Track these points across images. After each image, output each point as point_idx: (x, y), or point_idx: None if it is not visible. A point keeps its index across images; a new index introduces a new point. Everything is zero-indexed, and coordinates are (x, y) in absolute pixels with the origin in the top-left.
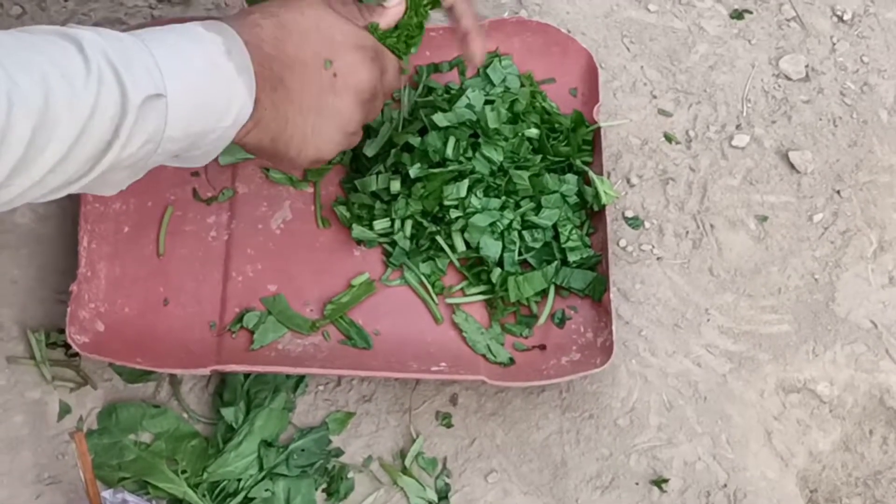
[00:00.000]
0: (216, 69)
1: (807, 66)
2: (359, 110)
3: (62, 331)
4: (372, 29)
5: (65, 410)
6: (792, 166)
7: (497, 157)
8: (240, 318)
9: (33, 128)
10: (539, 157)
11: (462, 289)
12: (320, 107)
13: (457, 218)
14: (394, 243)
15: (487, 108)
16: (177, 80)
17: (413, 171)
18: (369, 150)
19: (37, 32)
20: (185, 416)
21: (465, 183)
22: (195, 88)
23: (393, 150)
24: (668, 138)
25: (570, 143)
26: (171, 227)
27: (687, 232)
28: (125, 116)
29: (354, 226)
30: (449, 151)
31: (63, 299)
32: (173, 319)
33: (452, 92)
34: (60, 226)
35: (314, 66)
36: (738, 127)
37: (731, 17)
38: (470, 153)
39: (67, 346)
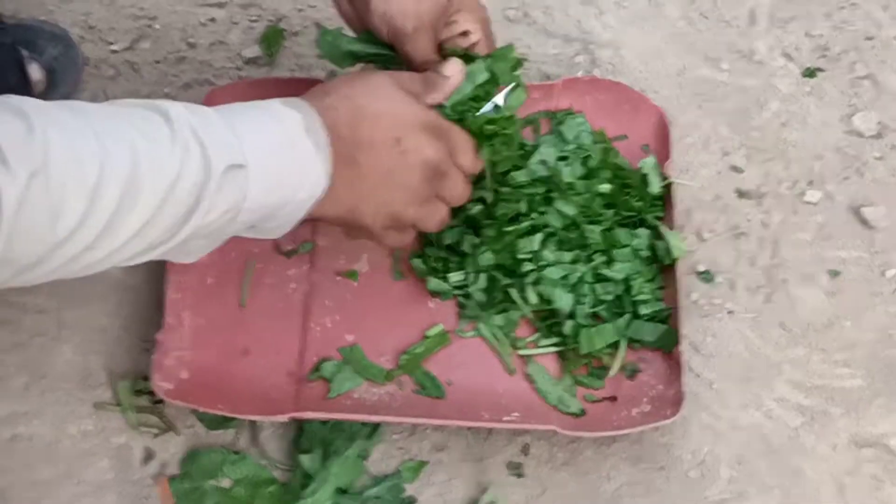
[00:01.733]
0: (295, 144)
1: (879, 123)
2: (427, 184)
3: (147, 378)
4: (445, 109)
5: (148, 456)
6: (864, 222)
7: (570, 211)
8: (318, 367)
9: (121, 193)
10: (611, 211)
11: (534, 341)
12: (387, 181)
13: (530, 271)
14: (468, 296)
15: (561, 163)
16: (257, 153)
17: (488, 229)
18: None
19: (127, 105)
20: (264, 462)
21: (539, 237)
22: (274, 161)
23: (467, 205)
24: (740, 194)
25: (643, 199)
26: (253, 278)
27: (758, 286)
28: (207, 184)
29: (430, 278)
30: (523, 207)
31: (149, 348)
32: (254, 368)
33: (527, 148)
34: (147, 277)
35: (384, 145)
36: (809, 183)
37: (804, 75)
38: (543, 208)
39: (152, 393)
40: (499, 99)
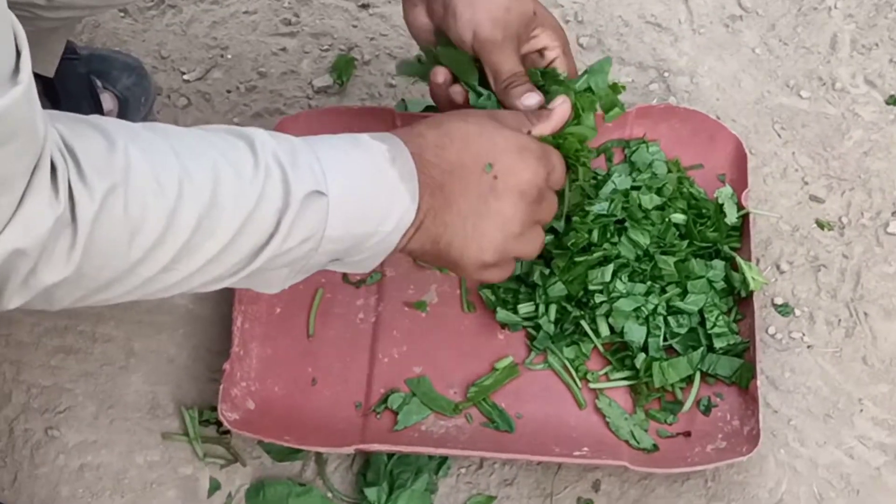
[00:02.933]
0: (379, 174)
1: None
2: (522, 211)
3: (214, 408)
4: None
5: (215, 486)
6: None
7: (643, 241)
8: (385, 399)
9: (200, 214)
10: (685, 242)
11: (606, 373)
12: (479, 209)
13: (601, 303)
14: (538, 327)
15: (634, 193)
16: (339, 181)
17: (559, 259)
18: None
19: (211, 130)
20: (330, 495)
21: (611, 267)
22: (357, 190)
23: None
24: (821, 225)
25: (719, 229)
26: (321, 309)
27: (839, 320)
28: (287, 210)
29: (499, 309)
30: (595, 237)
31: (216, 378)
32: (320, 399)
33: (599, 178)
34: (216, 307)
35: (474, 170)
36: (893, 214)
37: (888, 103)
38: (615, 238)
39: (219, 424)
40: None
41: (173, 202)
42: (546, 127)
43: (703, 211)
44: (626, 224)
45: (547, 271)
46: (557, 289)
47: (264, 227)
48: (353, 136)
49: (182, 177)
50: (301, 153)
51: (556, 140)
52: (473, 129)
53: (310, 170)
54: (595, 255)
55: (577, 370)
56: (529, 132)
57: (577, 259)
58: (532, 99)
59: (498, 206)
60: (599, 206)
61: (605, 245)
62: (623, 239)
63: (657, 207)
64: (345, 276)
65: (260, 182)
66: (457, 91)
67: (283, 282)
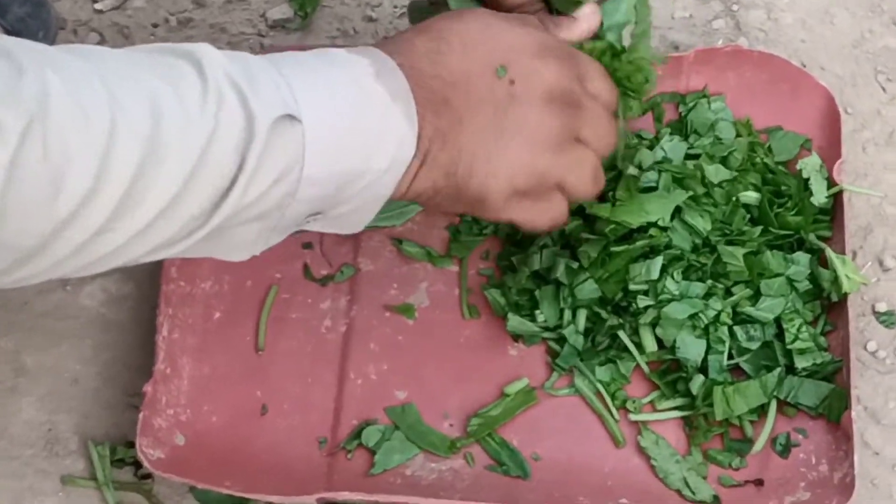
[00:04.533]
0: (363, 94)
1: None
2: (554, 116)
3: (132, 444)
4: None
5: None
6: None
7: (703, 226)
8: (358, 434)
9: (140, 157)
10: (758, 229)
11: (652, 402)
12: (499, 123)
13: (646, 308)
14: (562, 339)
15: (690, 163)
16: (313, 102)
17: (590, 249)
18: None
19: (146, 50)
20: None
21: (659, 261)
22: (337, 114)
23: None
24: None
25: (802, 212)
26: (274, 313)
27: None
28: (252, 142)
29: (511, 315)
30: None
31: (135, 403)
32: (273, 432)
33: (645, 141)
34: (135, 310)
35: (484, 76)
36: None
37: None
38: (666, 221)
39: (138, 464)
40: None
41: (105, 141)
42: (569, 33)
43: (783, 188)
44: (681, 204)
45: (574, 265)
46: (588, 289)
47: (224, 168)
48: (322, 51)
49: (114, 109)
50: (261, 71)
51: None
52: (475, 26)
53: (275, 89)
54: (638, 243)
55: (613, 397)
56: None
57: (615, 249)
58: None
59: (521, 112)
60: (645, 179)
61: (652, 231)
62: (676, 223)
63: (722, 183)
64: (306, 270)
65: (212, 112)
66: None
67: (253, 243)
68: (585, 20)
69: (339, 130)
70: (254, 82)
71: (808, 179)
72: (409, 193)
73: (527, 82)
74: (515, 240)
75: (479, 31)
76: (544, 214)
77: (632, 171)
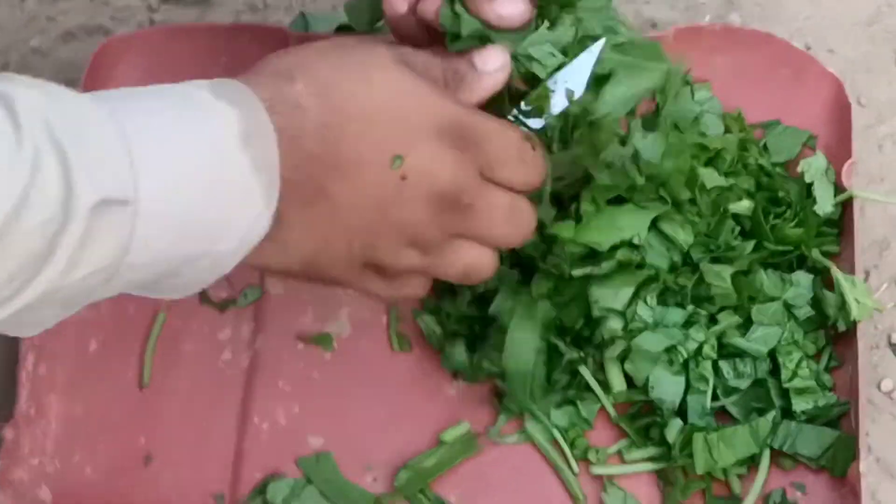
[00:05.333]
0: (221, 167)
1: None
2: (433, 224)
3: None
4: None
5: None
6: None
7: (684, 240)
8: (262, 489)
9: None
10: (751, 243)
11: (619, 452)
12: (379, 221)
13: (613, 338)
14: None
15: (669, 162)
16: (156, 180)
17: (538, 286)
18: None
19: None
20: None
21: (630, 284)
22: (185, 192)
23: None
24: None
25: (804, 223)
26: (162, 344)
27: None
28: (67, 225)
29: (448, 348)
30: (603, 234)
31: None
32: (159, 487)
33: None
34: None
35: (376, 166)
36: None
37: None
38: (642, 238)
39: None
40: (579, 73)
41: None
42: (470, 95)
43: (781, 194)
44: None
45: (526, 289)
46: (542, 315)
47: (30, 250)
48: (183, 90)
49: None
50: (95, 126)
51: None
52: (381, 97)
53: (108, 159)
54: (604, 265)
55: (572, 445)
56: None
57: (576, 271)
58: (509, 6)
59: (402, 213)
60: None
61: (621, 247)
62: (651, 236)
63: (707, 188)
64: (202, 293)
65: (23, 177)
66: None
67: (44, 322)
68: (490, 77)
69: (183, 213)
70: (83, 144)
71: (811, 184)
72: (254, 265)
73: (419, 179)
74: None
75: (386, 102)
76: (399, 290)
77: (604, 178)
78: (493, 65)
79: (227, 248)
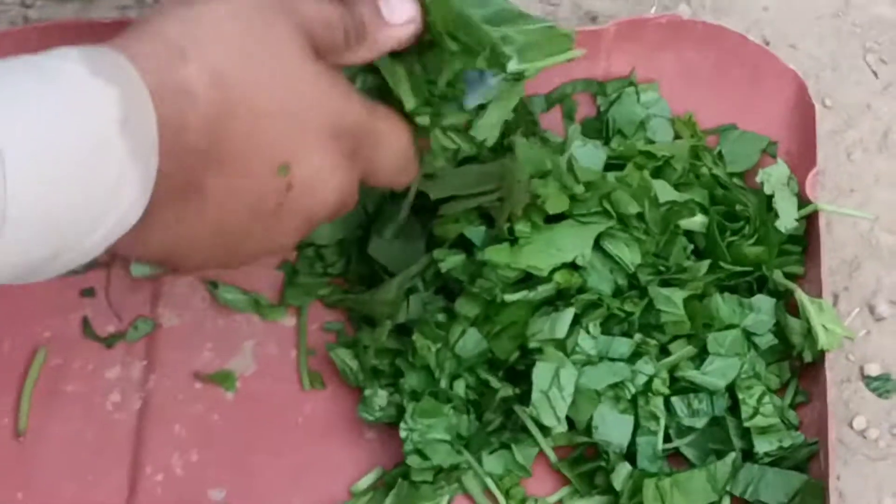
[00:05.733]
0: (98, 154)
1: None
2: (300, 235)
3: None
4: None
5: None
6: None
7: (630, 260)
8: None
9: None
10: (705, 264)
11: (560, 501)
12: (247, 228)
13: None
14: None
15: (611, 175)
16: (20, 171)
17: (466, 307)
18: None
19: None
20: None
21: (569, 311)
22: (50, 184)
23: (436, 247)
24: None
25: (764, 241)
26: (41, 385)
27: None
28: None
29: (367, 388)
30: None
31: None
32: None
33: (552, 145)
34: None
35: (261, 171)
36: None
37: None
38: (585, 259)
39: None
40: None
41: None
42: (364, 54)
43: (738, 208)
44: (599, 232)
45: (454, 317)
46: (471, 346)
47: None
48: (52, 63)
49: None
50: None
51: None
52: (280, 95)
53: None
54: (540, 288)
55: (507, 496)
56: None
57: (508, 298)
58: None
59: (273, 231)
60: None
61: (559, 270)
62: (592, 257)
63: (657, 202)
64: (86, 326)
65: None
66: None
67: None
68: (398, 30)
69: (47, 211)
70: None
71: (771, 196)
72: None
73: (302, 192)
74: (372, 280)
75: (282, 103)
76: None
77: (542, 189)
78: (401, 16)
79: (92, 240)
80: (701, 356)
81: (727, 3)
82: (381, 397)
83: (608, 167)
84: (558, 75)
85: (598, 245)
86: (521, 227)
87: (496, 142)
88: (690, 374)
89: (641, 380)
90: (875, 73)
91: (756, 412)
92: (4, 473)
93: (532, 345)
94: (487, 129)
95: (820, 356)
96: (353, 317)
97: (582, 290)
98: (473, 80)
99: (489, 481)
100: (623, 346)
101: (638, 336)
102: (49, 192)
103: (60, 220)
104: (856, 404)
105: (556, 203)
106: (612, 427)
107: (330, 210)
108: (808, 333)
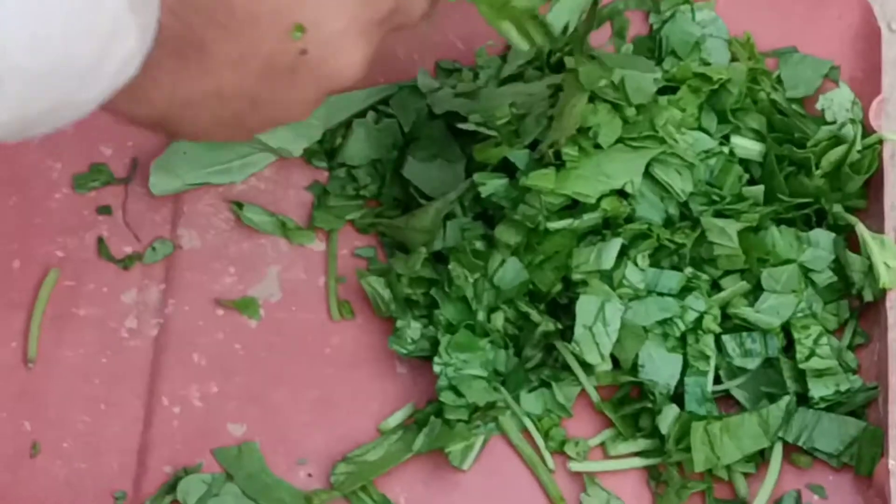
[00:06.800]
0: (92, 3)
1: None
2: (315, 106)
3: None
4: None
5: None
6: None
7: (682, 188)
8: (172, 486)
9: None
10: (760, 193)
11: (603, 444)
12: (253, 98)
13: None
14: None
15: (664, 99)
16: (20, 30)
17: (505, 233)
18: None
19: None
20: None
21: (617, 242)
22: (50, 42)
23: (476, 171)
24: None
25: (825, 173)
26: (52, 308)
27: None
28: None
29: (400, 318)
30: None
31: None
32: (48, 482)
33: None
34: None
35: (271, 31)
36: None
37: None
38: (635, 187)
39: None
40: None
41: None
42: None
43: (797, 135)
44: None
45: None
46: (510, 276)
47: None
48: None
49: None
50: None
51: None
52: None
53: None
54: (586, 216)
55: (547, 436)
56: None
57: (552, 226)
58: None
59: (290, 97)
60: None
61: (607, 197)
62: (643, 186)
63: (708, 128)
64: (101, 246)
65: None
66: None
67: None
68: None
69: (47, 68)
70: None
71: (833, 125)
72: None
73: (320, 59)
74: (403, 197)
75: None
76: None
77: (592, 117)
78: None
79: (88, 95)
80: (755, 292)
81: None
82: (413, 329)
83: (661, 91)
84: None
85: (647, 172)
86: (569, 151)
87: (543, 59)
88: (743, 311)
89: (691, 316)
90: None
91: (812, 353)
92: (12, 401)
93: (576, 276)
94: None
95: (881, 295)
96: (385, 242)
97: (630, 219)
98: None
99: (527, 421)
100: (672, 279)
101: (688, 270)
102: (41, 46)
103: (54, 74)
104: None
105: (608, 133)
106: (660, 366)
107: (351, 80)
108: (869, 271)
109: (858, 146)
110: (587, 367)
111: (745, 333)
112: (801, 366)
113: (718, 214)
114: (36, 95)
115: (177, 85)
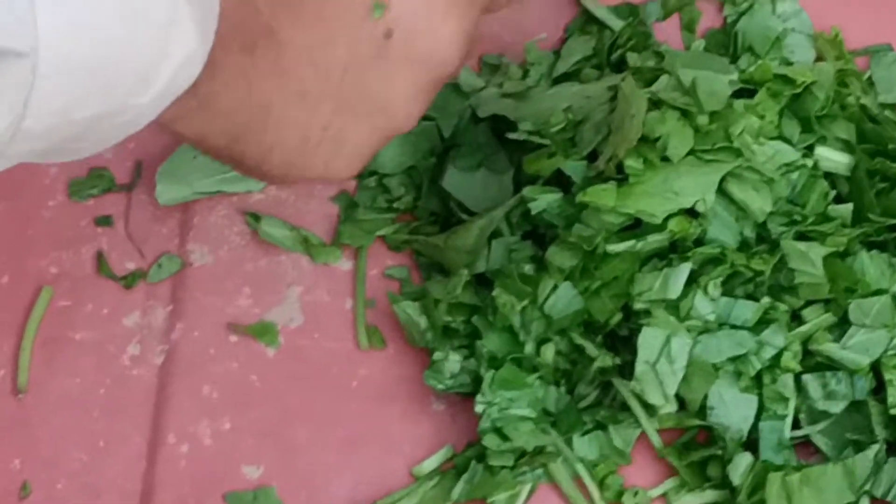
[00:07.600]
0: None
1: None
2: (425, 99)
3: None
4: None
5: None
6: None
7: (760, 207)
8: None
9: None
10: (849, 213)
11: (665, 495)
12: (348, 94)
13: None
14: None
15: (740, 103)
16: (61, 20)
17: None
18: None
19: None
20: None
21: (685, 267)
22: (95, 37)
23: (525, 184)
24: None
25: None
26: (45, 331)
27: None
28: None
29: (436, 352)
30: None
31: None
32: None
33: (663, 66)
34: None
35: (350, 12)
36: None
37: None
38: (707, 205)
39: None
40: None
41: None
42: None
43: (890, 147)
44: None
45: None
46: (563, 304)
47: None
48: None
49: None
50: None
51: None
52: None
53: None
54: (651, 238)
55: (602, 485)
56: None
57: (611, 248)
58: None
59: (383, 88)
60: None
61: (675, 220)
62: (715, 204)
63: (789, 138)
64: (101, 262)
65: None
66: None
67: None
68: None
69: (97, 62)
70: None
71: None
72: (167, 125)
73: (408, 38)
74: (447, 219)
75: None
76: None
77: (660, 126)
78: None
79: (145, 99)
80: (841, 326)
81: None
82: (452, 362)
83: (735, 94)
84: None
85: (720, 188)
86: (632, 164)
87: (603, 56)
88: (827, 347)
89: (768, 353)
90: None
91: None
92: (4, 437)
93: (637, 306)
94: None
95: None
96: (421, 262)
97: (700, 241)
98: None
99: (580, 468)
100: (747, 310)
101: (766, 300)
102: (86, 36)
103: (102, 70)
104: None
105: (679, 144)
106: (731, 408)
107: (449, 63)
108: None
109: None
110: (649, 409)
111: (828, 373)
112: (893, 411)
113: (800, 237)
114: (80, 95)
115: (252, 85)
